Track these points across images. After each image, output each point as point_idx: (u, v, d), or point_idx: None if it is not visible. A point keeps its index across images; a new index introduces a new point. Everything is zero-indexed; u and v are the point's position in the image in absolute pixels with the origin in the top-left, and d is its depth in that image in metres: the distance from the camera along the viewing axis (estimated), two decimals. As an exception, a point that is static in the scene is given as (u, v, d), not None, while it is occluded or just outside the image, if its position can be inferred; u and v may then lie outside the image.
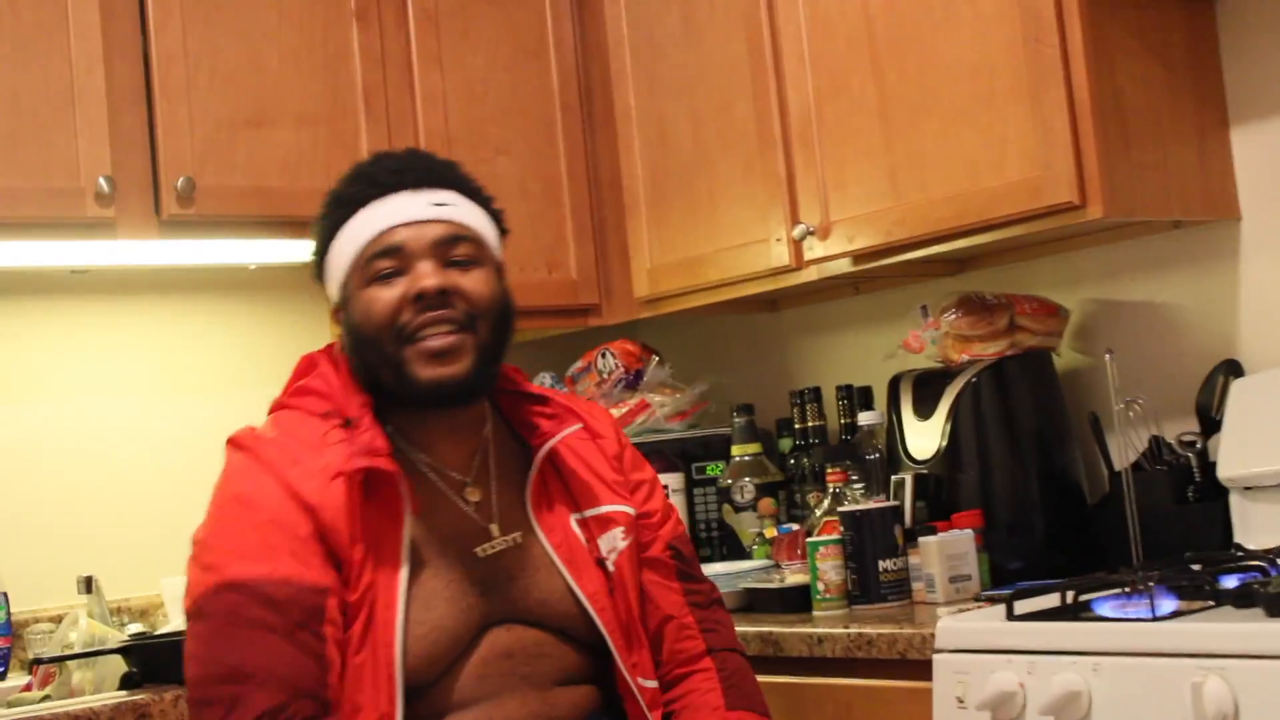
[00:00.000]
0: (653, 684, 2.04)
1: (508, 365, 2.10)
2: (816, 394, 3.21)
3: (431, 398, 1.97)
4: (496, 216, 2.08)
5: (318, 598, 1.84)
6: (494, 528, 2.00)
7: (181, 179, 2.81)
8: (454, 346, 1.95)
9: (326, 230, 2.03)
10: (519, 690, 1.91)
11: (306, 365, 2.07)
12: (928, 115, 2.69)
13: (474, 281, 1.98)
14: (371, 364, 1.98)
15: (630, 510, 2.11)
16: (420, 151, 2.11)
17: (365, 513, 1.89)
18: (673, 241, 3.21)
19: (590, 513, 2.06)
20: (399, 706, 1.83)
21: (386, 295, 1.95)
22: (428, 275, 1.94)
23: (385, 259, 1.96)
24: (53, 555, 3.01)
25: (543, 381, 3.37)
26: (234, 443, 2.00)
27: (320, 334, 3.36)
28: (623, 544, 2.07)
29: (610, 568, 2.04)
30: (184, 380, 3.27)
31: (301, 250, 3.11)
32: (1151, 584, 2.11)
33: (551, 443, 2.06)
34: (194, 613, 1.87)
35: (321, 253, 2.05)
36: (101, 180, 2.73)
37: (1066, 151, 2.48)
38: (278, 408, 2.06)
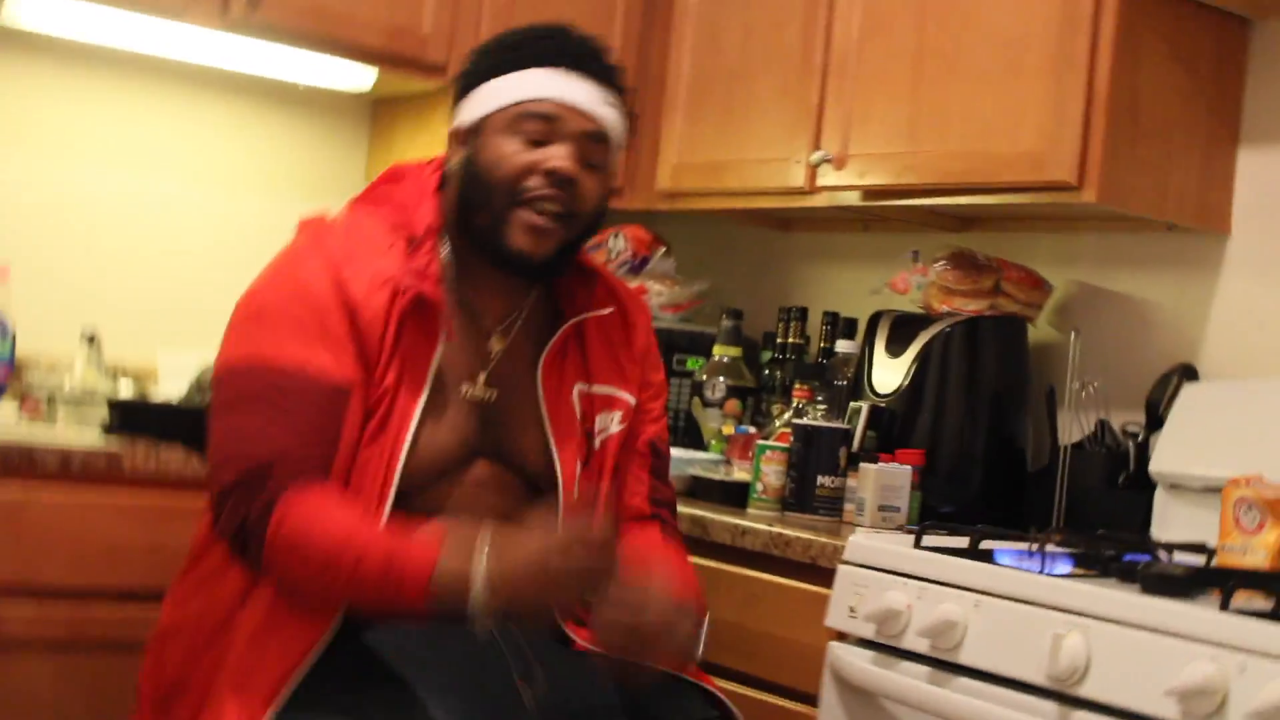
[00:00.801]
0: None
1: None
2: (803, 314, 3.35)
3: (508, 260, 2.12)
4: (631, 127, 2.25)
5: (341, 397, 2.01)
6: (482, 376, 2.16)
7: (254, -17, 2.94)
8: (550, 230, 2.11)
9: (502, 63, 2.14)
10: (482, 516, 2.04)
11: (393, 174, 2.23)
12: (957, 72, 2.80)
13: (593, 185, 2.13)
14: (473, 202, 2.12)
15: (633, 400, 2.27)
16: (602, 44, 2.22)
17: (405, 326, 2.06)
18: (701, 142, 3.33)
19: (597, 389, 2.23)
20: (389, 503, 2.02)
21: (524, 154, 2.08)
22: (566, 158, 2.09)
23: (539, 122, 2.09)
24: (63, 305, 3.19)
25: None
26: (303, 225, 2.16)
27: (353, 160, 3.54)
28: (616, 428, 2.24)
29: (595, 444, 2.21)
30: (213, 174, 3.43)
31: (350, 77, 3.28)
32: (1051, 545, 2.25)
33: (575, 320, 2.22)
34: (223, 380, 2.05)
35: (483, 77, 2.15)
36: (181, -35, 2.87)
37: (1075, 133, 2.60)
38: (354, 205, 2.21)
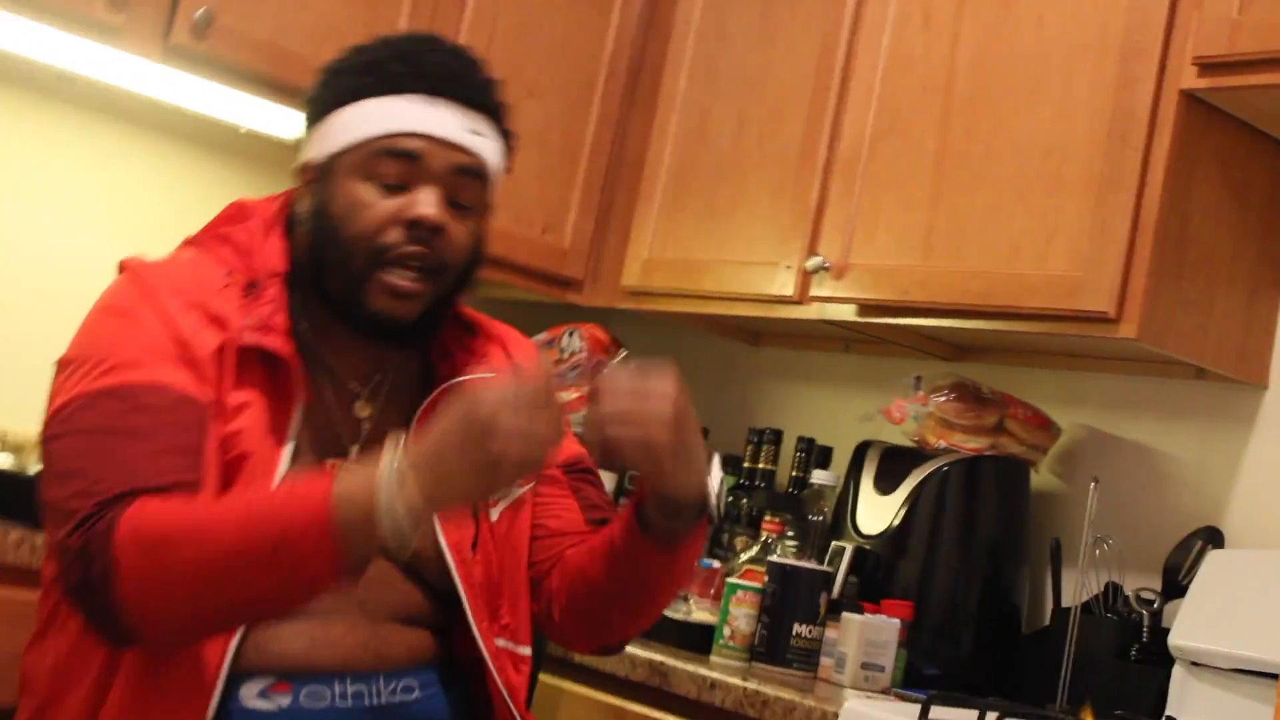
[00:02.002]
0: (524, 650, 1.86)
1: None
2: (777, 437, 3.04)
3: (367, 324, 1.79)
4: (508, 155, 1.90)
5: (195, 409, 1.66)
6: (353, 450, 1.81)
7: (203, 9, 2.61)
8: (416, 292, 1.77)
9: (349, 88, 1.81)
10: (350, 615, 1.73)
11: (235, 212, 1.88)
12: (983, 182, 2.53)
13: (465, 230, 1.81)
14: (326, 259, 1.78)
15: None
16: (474, 57, 1.88)
17: (244, 382, 1.72)
18: (678, 238, 3.04)
19: None
20: None
21: (380, 202, 1.76)
22: (431, 205, 1.77)
23: (397, 162, 1.77)
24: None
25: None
26: (121, 265, 1.81)
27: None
28: (516, 490, 1.88)
29: (494, 516, 1.85)
30: (129, 219, 3.05)
31: (296, 126, 2.94)
32: (1081, 728, 1.95)
33: (450, 383, 1.85)
34: (56, 430, 1.66)
35: (331, 105, 1.82)
36: (122, -18, 2.54)
37: (1117, 259, 2.34)
38: (185, 245, 1.87)
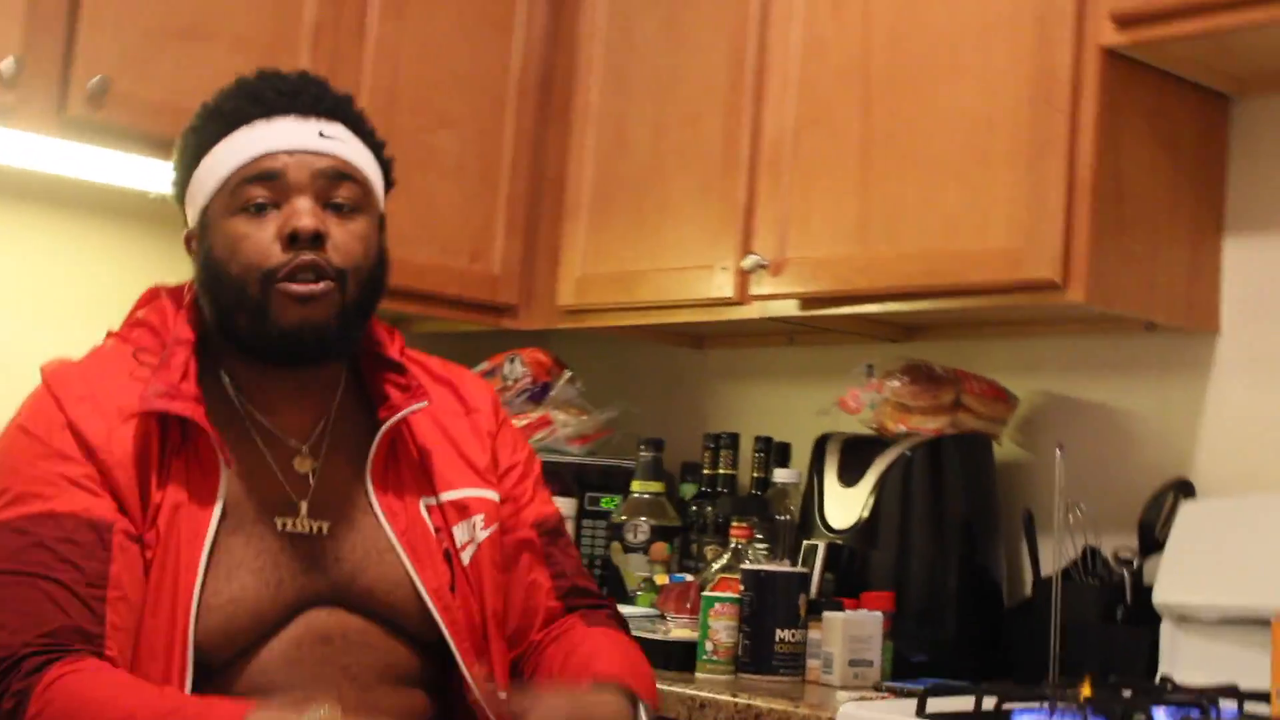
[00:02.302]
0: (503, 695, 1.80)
1: (380, 324, 1.89)
2: (734, 440, 3.00)
3: (288, 346, 1.76)
4: (386, 165, 1.88)
5: (99, 534, 1.65)
6: (303, 505, 1.78)
7: (96, 78, 2.53)
8: (319, 293, 1.74)
9: (196, 145, 1.80)
10: (335, 682, 1.70)
11: (148, 296, 1.87)
12: (913, 162, 2.50)
13: (350, 235, 1.78)
14: (226, 305, 1.77)
15: (493, 496, 1.89)
16: (313, 76, 1.88)
17: (177, 457, 1.70)
18: (609, 252, 2.99)
19: (445, 497, 1.85)
20: (188, 685, 1.62)
21: (256, 230, 1.75)
22: (304, 214, 1.75)
23: (259, 185, 1.75)
24: None
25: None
26: (42, 370, 1.79)
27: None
28: (483, 534, 1.85)
29: (465, 560, 1.82)
30: (58, 300, 2.96)
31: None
32: (1081, 705, 1.92)
33: (394, 419, 1.83)
34: None
35: (187, 170, 1.81)
36: (9, 60, 2.45)
37: (1056, 225, 2.31)
38: (108, 336, 1.86)
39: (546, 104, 3.16)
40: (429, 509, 1.84)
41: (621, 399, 3.23)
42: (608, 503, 3.05)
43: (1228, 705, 2.07)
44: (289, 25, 2.79)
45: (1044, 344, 2.75)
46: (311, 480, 1.80)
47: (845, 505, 2.64)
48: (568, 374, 3.18)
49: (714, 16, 2.86)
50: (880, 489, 2.60)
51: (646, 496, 2.96)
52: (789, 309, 2.71)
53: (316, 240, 1.74)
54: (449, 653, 1.77)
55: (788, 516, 2.75)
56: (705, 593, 2.53)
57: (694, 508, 3.00)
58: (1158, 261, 2.44)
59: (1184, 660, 2.35)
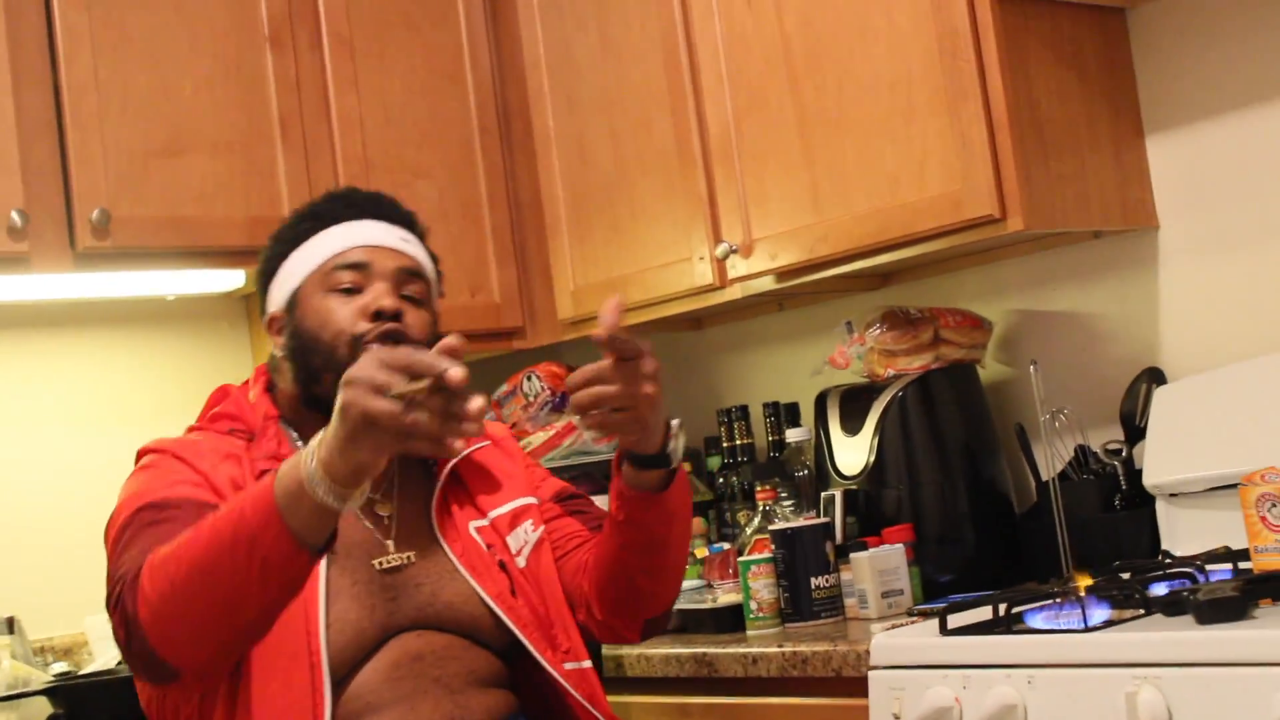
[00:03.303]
0: (587, 664, 2.10)
1: None
2: (744, 411, 3.20)
3: None
4: (439, 273, 2.23)
5: (211, 508, 1.85)
6: (390, 544, 2.05)
7: (96, 211, 2.76)
8: None
9: (290, 239, 2.14)
10: (431, 692, 1.96)
11: (219, 395, 2.16)
12: (846, 130, 2.68)
13: (419, 319, 2.10)
14: (315, 368, 2.05)
15: (534, 501, 2.18)
16: (384, 195, 2.24)
17: None
18: (595, 261, 3.19)
19: (495, 514, 2.14)
20: (327, 695, 1.87)
21: (345, 306, 2.05)
22: (387, 295, 2.07)
23: (350, 271, 2.08)
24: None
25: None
26: (143, 450, 2.07)
27: (238, 361, 3.33)
28: (534, 535, 2.14)
29: (522, 563, 2.10)
30: (104, 413, 3.21)
31: (219, 280, 3.10)
32: (1083, 594, 2.12)
33: (454, 461, 2.13)
34: (110, 542, 1.91)
35: (277, 261, 2.13)
36: (14, 214, 2.67)
37: (985, 164, 2.49)
38: (189, 431, 2.13)
39: (509, 137, 3.36)
40: (478, 530, 2.11)
41: (636, 392, 3.42)
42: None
43: (1220, 568, 2.26)
44: (258, 121, 3.01)
45: (1007, 267, 2.93)
46: (389, 521, 2.08)
47: (853, 452, 2.82)
48: (582, 379, 3.37)
49: (643, 26, 3.03)
50: (881, 431, 2.78)
51: (676, 478, 3.15)
52: (767, 284, 2.89)
53: (396, 317, 2.05)
54: (524, 649, 2.04)
55: (805, 471, 2.94)
56: (741, 558, 2.73)
57: (721, 479, 3.20)
58: (1086, 175, 2.62)
59: (1181, 533, 2.53)
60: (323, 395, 2.01)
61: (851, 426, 2.84)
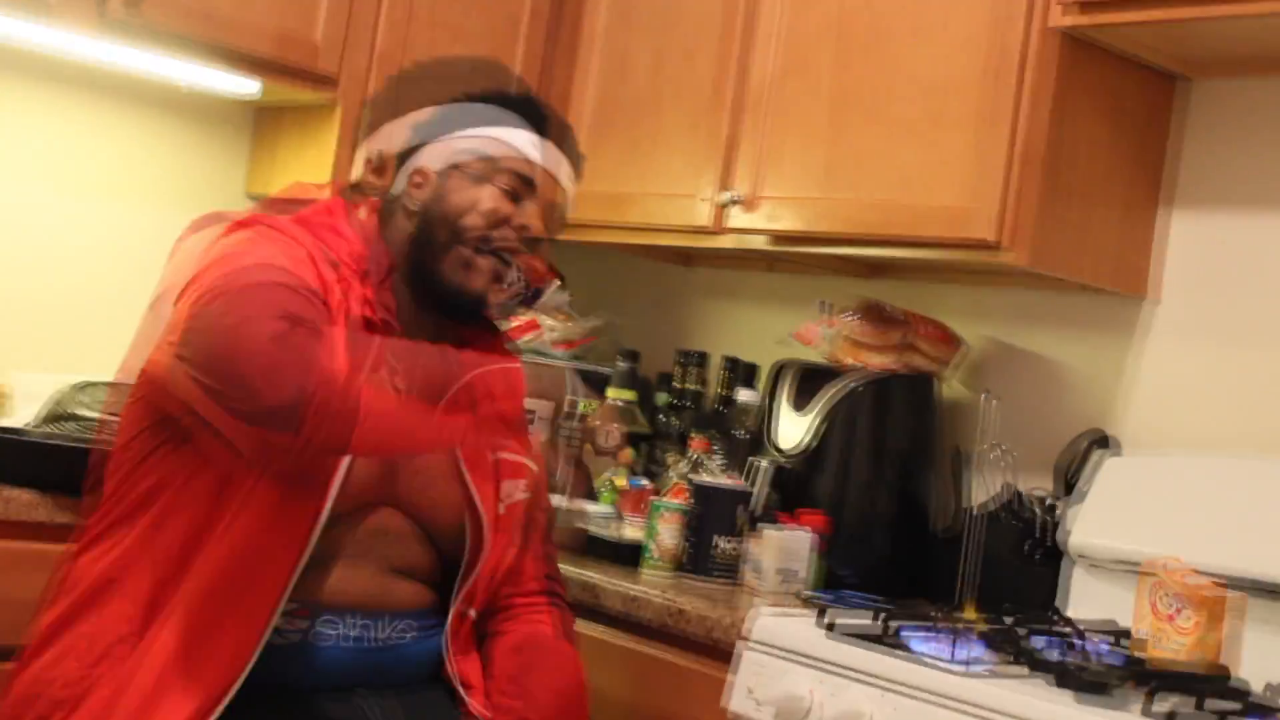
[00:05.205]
0: (472, 613, 2.10)
1: None
2: (702, 359, 3.21)
3: (453, 302, 2.07)
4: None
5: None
6: None
7: (133, -18, 2.73)
8: (506, 279, 2.08)
9: (480, 114, 2.10)
10: (372, 563, 1.99)
11: (324, 211, 2.08)
12: (876, 118, 2.68)
13: (538, 253, 2.13)
14: (433, 242, 2.05)
15: (535, 467, 2.17)
16: (571, 128, 2.25)
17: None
18: (604, 172, 3.15)
19: (504, 454, 2.13)
20: (316, 532, 1.89)
21: (502, 204, 2.05)
22: (538, 218, 2.09)
23: (519, 181, 2.07)
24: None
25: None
26: (243, 223, 2.00)
27: (232, 165, 3.32)
28: (520, 496, 2.14)
29: (501, 510, 2.10)
30: (78, 178, 3.18)
31: (236, 84, 3.08)
32: (961, 628, 2.14)
33: (480, 370, 2.01)
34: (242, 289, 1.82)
35: (450, 124, 2.09)
36: (53, -37, 2.66)
37: (996, 189, 2.49)
38: (292, 222, 2.03)
39: (557, 27, 3.33)
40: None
41: (607, 309, 3.44)
42: (585, 406, 3.26)
43: (1103, 639, 2.29)
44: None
45: (993, 294, 2.94)
46: None
47: (795, 428, 2.84)
48: (559, 282, 3.39)
49: (715, -42, 3.02)
50: (828, 417, 2.80)
51: (620, 403, 3.16)
52: (759, 243, 2.90)
53: (532, 244, 2.09)
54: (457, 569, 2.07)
55: (745, 433, 2.95)
56: (654, 499, 2.75)
57: (662, 417, 3.22)
58: (1091, 227, 2.62)
59: (1084, 598, 2.55)
60: (427, 268, 2.04)
61: (800, 403, 2.86)
